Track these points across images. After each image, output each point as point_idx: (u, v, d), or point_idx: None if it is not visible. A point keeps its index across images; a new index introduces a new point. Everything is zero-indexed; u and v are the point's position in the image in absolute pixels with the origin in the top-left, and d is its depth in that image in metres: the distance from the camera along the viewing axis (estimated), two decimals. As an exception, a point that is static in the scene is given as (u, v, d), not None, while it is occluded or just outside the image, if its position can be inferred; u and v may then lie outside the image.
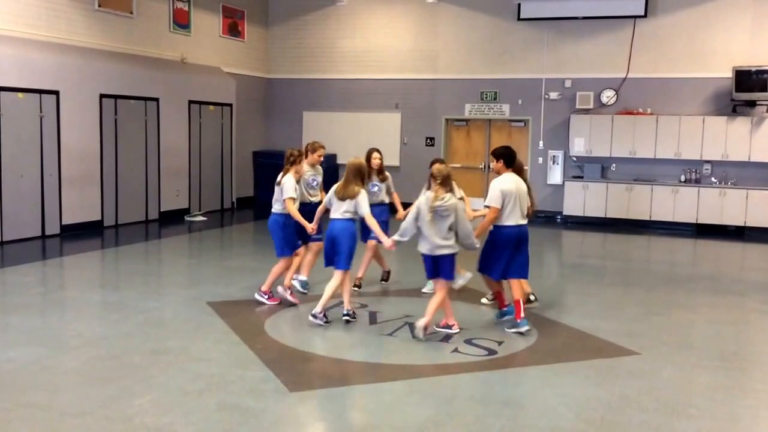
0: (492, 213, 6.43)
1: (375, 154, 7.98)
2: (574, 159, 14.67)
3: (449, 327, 6.32)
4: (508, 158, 6.57)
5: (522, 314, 6.40)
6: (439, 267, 6.19)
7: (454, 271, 6.31)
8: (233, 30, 15.79)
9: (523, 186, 6.56)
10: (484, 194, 7.87)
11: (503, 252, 6.48)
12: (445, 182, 6.15)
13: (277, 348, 5.98)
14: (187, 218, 13.88)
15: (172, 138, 13.65)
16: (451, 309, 6.39)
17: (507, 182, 6.46)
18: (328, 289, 6.49)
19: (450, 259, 6.19)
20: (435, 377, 5.36)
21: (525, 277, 6.73)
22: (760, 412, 4.90)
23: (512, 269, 6.54)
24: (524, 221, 6.53)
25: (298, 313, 6.98)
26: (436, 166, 6.32)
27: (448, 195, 6.13)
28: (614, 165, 14.42)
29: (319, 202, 7.21)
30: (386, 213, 7.84)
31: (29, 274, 8.72)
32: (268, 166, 15.75)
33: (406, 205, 7.06)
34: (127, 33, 12.91)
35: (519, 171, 6.69)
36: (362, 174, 6.60)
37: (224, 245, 12.08)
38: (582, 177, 14.48)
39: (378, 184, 7.96)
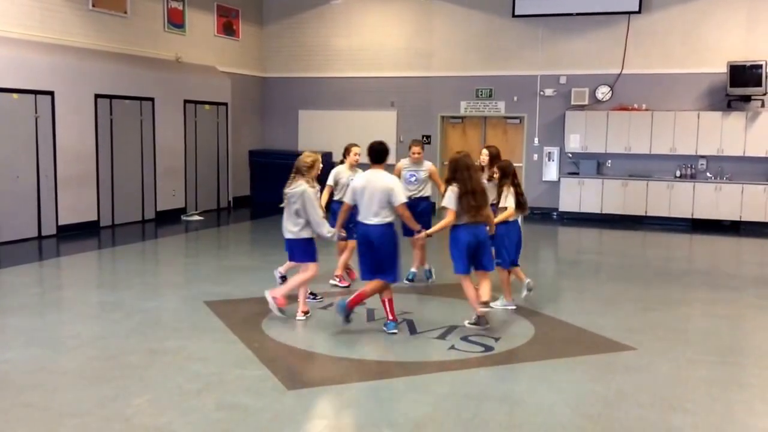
0: (344, 207, 6.55)
1: (412, 148, 8.30)
2: (570, 155, 14.70)
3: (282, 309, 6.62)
4: (372, 154, 6.38)
5: (390, 316, 6.27)
6: (292, 250, 6.69)
7: (307, 255, 6.61)
8: (228, 29, 15.77)
9: (379, 184, 6.17)
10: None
11: (360, 251, 6.37)
12: (300, 171, 6.53)
13: (274, 346, 5.99)
14: (183, 218, 13.87)
15: (167, 138, 13.64)
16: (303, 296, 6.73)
17: (360, 178, 6.43)
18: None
19: (297, 243, 6.60)
20: (432, 374, 5.37)
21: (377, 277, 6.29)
22: (756, 406, 4.92)
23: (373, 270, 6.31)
24: (373, 220, 6.17)
25: (295, 312, 6.98)
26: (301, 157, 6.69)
27: (300, 182, 6.48)
28: (609, 161, 14.46)
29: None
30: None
31: (26, 275, 8.72)
32: (265, 165, 15.79)
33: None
34: (122, 33, 12.90)
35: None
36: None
37: (221, 245, 12.08)
38: (577, 173, 14.51)
39: (414, 172, 8.19)
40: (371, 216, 6.19)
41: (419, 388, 5.09)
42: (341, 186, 7.79)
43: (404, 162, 8.44)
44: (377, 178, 6.24)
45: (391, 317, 6.29)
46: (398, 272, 6.39)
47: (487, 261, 6.48)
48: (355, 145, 8.06)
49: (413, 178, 8.23)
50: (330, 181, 7.92)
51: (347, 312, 6.36)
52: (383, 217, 6.19)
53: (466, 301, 6.69)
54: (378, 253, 6.21)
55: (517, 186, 7.05)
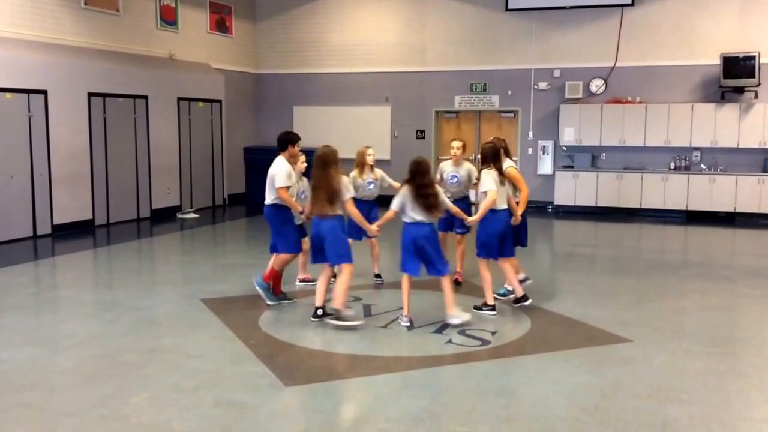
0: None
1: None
2: (564, 149, 14.72)
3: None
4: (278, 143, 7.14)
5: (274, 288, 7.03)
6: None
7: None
8: (221, 26, 15.73)
9: (270, 170, 6.87)
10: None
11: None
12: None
13: (271, 343, 6.00)
14: (179, 216, 13.85)
15: (161, 135, 13.61)
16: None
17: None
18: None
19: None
20: (429, 368, 5.39)
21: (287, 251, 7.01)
22: (752, 396, 4.95)
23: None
24: (266, 201, 6.91)
25: (292, 309, 6.99)
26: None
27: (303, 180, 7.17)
28: (604, 154, 14.48)
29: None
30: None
31: (22, 275, 8.70)
32: (259, 161, 15.70)
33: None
34: (114, 31, 12.86)
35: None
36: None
37: (217, 242, 12.07)
38: (572, 167, 14.53)
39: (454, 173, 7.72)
40: (266, 197, 6.93)
41: (417, 382, 5.11)
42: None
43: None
44: (273, 164, 6.92)
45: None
46: (284, 246, 6.94)
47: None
48: (368, 146, 7.87)
49: (454, 179, 7.68)
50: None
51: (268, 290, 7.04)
52: (271, 199, 6.86)
53: (463, 296, 6.71)
54: (271, 228, 7.03)
55: (419, 187, 6.22)
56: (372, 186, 7.63)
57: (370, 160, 7.66)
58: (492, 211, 6.62)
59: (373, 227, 6.66)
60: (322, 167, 6.33)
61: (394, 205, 6.33)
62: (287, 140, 7.08)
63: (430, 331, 6.23)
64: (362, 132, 15.53)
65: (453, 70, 15.41)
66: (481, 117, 15.62)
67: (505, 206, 6.73)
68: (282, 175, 6.82)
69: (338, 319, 6.29)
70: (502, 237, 6.72)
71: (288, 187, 6.82)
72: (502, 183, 6.65)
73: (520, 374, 5.27)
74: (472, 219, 6.86)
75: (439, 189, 6.52)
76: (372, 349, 5.88)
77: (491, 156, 6.71)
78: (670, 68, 13.98)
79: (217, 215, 14.54)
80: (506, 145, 7.31)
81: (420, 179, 6.24)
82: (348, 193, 6.39)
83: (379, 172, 7.76)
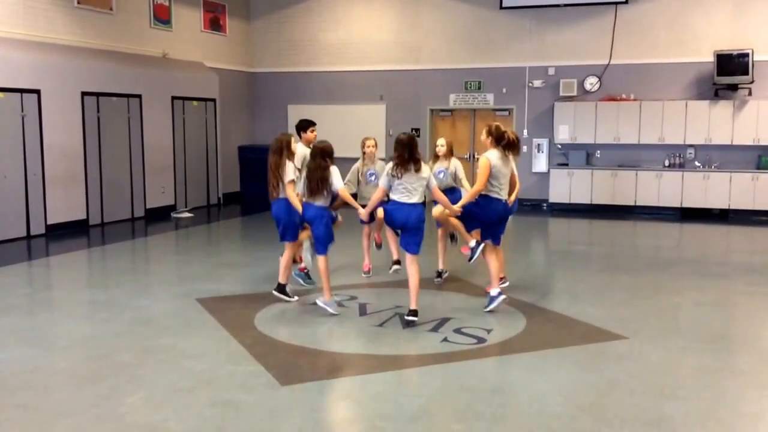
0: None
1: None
2: (559, 146, 14.74)
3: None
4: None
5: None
6: None
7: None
8: (215, 24, 15.69)
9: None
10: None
11: None
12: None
13: (267, 342, 5.98)
14: (173, 215, 13.82)
15: (155, 135, 13.57)
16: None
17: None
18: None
19: None
20: (425, 367, 5.38)
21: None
22: (747, 392, 4.97)
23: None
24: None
25: (288, 307, 6.98)
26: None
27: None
28: (599, 151, 14.50)
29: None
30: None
31: (16, 275, 8.66)
32: (254, 160, 15.70)
33: None
34: (108, 30, 12.81)
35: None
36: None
37: (212, 241, 12.05)
38: (567, 164, 14.55)
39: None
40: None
41: (413, 380, 5.11)
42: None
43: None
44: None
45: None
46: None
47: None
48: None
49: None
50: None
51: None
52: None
53: (459, 294, 6.70)
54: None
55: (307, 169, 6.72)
56: (442, 175, 7.81)
57: (440, 150, 7.99)
58: (391, 202, 6.37)
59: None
60: (274, 153, 6.95)
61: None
62: (299, 127, 8.31)
63: (425, 330, 6.23)
64: (357, 130, 15.46)
65: (447, 68, 15.41)
66: (476, 115, 15.63)
67: (412, 200, 6.24)
68: (290, 169, 7.05)
69: (281, 292, 7.08)
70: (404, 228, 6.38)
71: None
72: (393, 175, 6.22)
73: (516, 372, 5.28)
74: (362, 212, 6.80)
75: (334, 172, 6.57)
76: (368, 347, 5.87)
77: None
78: (664, 66, 14.01)
79: (212, 214, 14.51)
80: (491, 129, 6.87)
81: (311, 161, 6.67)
82: (287, 177, 6.85)
83: (454, 163, 7.94)
